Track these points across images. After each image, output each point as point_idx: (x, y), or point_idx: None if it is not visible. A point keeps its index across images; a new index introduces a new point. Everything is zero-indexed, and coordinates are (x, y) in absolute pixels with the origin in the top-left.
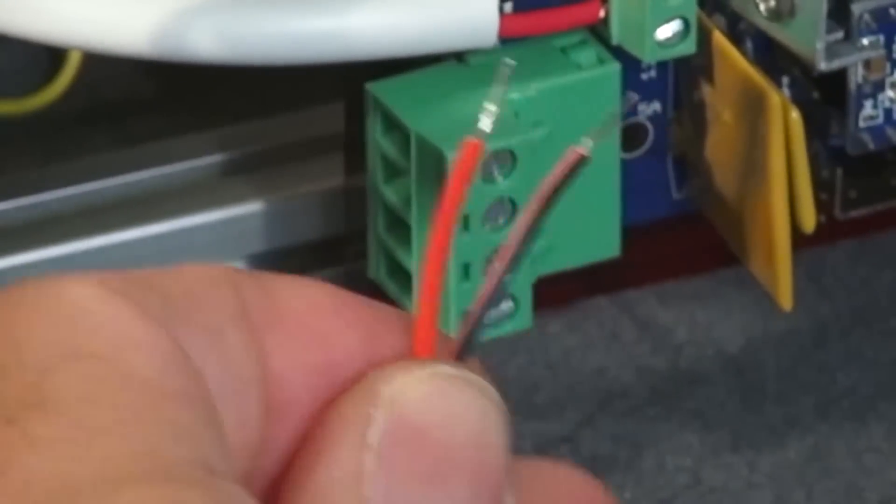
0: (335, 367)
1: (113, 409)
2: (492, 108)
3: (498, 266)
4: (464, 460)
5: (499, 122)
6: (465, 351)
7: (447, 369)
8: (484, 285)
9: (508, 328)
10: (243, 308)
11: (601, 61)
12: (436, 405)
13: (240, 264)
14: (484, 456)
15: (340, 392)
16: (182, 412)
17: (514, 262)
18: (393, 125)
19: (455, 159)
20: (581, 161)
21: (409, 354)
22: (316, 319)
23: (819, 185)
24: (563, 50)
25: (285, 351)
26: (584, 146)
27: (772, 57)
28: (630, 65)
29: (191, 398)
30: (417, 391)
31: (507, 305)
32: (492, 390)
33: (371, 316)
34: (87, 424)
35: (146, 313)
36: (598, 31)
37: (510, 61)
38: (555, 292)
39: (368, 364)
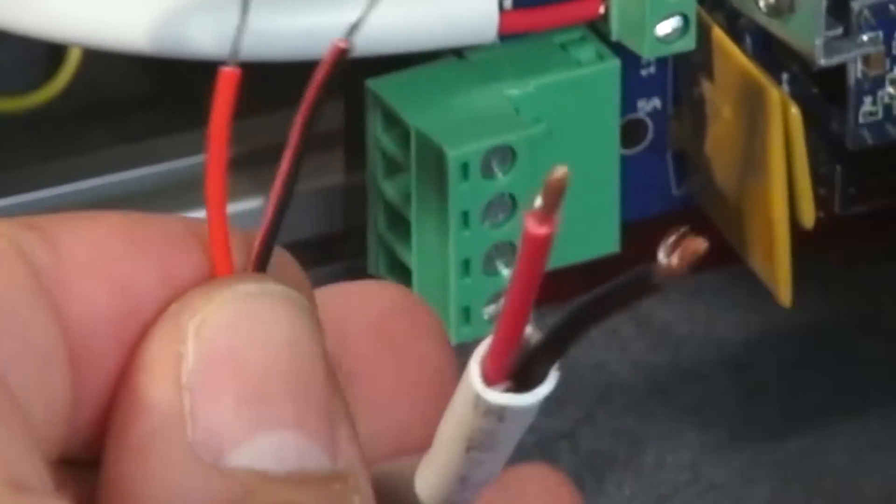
0: (137, 306)
1: None
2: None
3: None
4: (281, 376)
5: (497, 117)
6: (265, 255)
7: (248, 287)
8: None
9: None
10: (31, 273)
11: (601, 57)
12: (242, 327)
13: None
14: (300, 366)
15: (147, 330)
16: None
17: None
18: (393, 121)
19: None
20: (342, 54)
21: (208, 274)
22: (106, 263)
23: (818, 182)
24: (563, 46)
25: (82, 305)
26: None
27: (771, 53)
28: (630, 61)
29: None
30: (221, 317)
31: None
32: (297, 296)
33: (163, 239)
34: None
35: None
36: (597, 28)
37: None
38: (554, 288)
39: (171, 293)
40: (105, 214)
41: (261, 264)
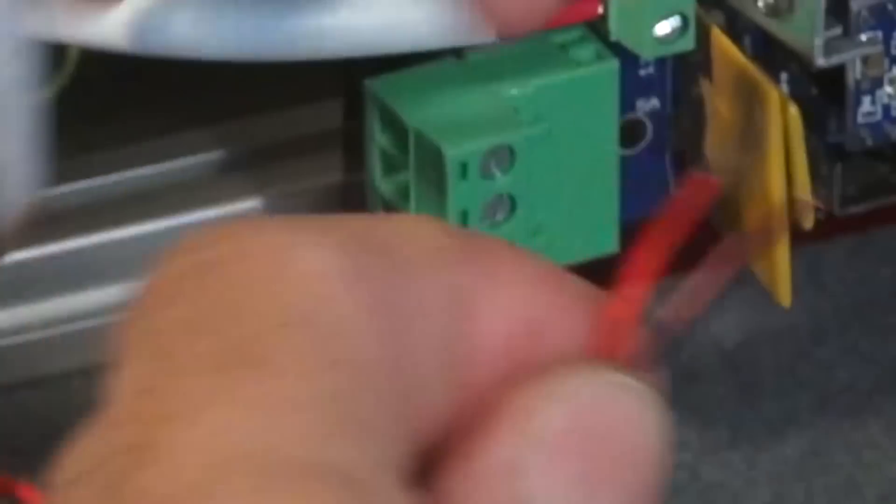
0: (538, 353)
1: (314, 387)
2: None
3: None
4: (625, 470)
5: (496, 117)
6: (647, 360)
7: (627, 379)
8: (686, 300)
9: None
10: (458, 284)
11: (600, 57)
12: (609, 411)
13: None
14: (644, 470)
15: (520, 376)
16: (373, 404)
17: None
18: (391, 121)
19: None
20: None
21: (596, 348)
22: (530, 301)
23: (817, 181)
24: (562, 46)
25: (494, 331)
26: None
27: (770, 53)
28: (628, 61)
29: (386, 391)
30: (591, 393)
31: None
32: (663, 409)
33: (578, 300)
34: (286, 394)
35: (374, 298)
36: (596, 28)
37: None
38: None
39: (555, 349)
40: (533, 255)
41: (641, 362)
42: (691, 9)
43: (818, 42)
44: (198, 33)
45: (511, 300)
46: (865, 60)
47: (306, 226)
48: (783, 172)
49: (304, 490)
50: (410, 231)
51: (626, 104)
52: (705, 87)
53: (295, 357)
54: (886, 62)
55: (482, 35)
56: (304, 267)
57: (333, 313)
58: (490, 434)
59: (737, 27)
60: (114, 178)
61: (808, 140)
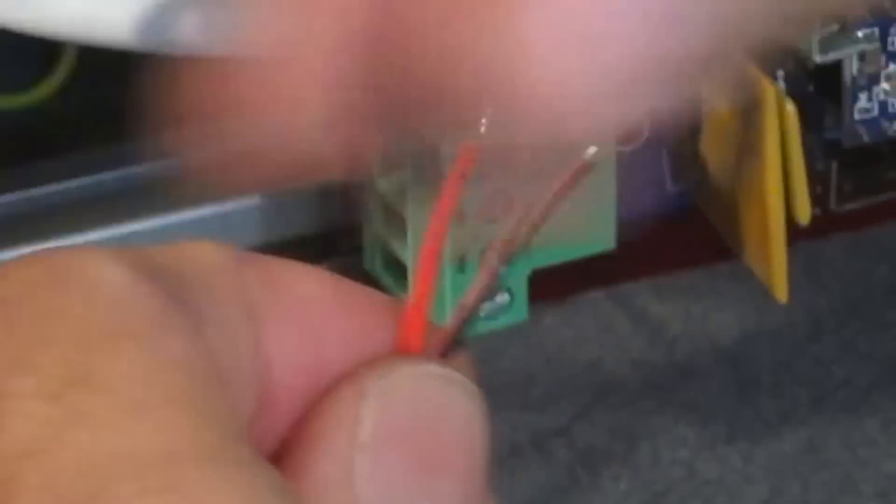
0: (328, 360)
1: (158, 388)
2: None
3: (492, 258)
4: (451, 460)
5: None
6: (454, 344)
7: (433, 368)
8: (478, 277)
9: (504, 321)
10: (247, 299)
11: None
12: (421, 403)
13: None
14: (472, 455)
15: (329, 386)
16: (217, 394)
17: (509, 257)
18: None
19: (455, 159)
20: (588, 169)
21: (399, 348)
22: (314, 312)
23: (814, 178)
24: None
25: (282, 343)
26: (589, 154)
27: (767, 50)
28: None
29: (220, 382)
30: (404, 390)
31: (502, 298)
32: (475, 390)
33: (366, 306)
34: (131, 401)
35: (170, 299)
36: None
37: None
38: (550, 285)
39: (360, 357)
40: (317, 271)
41: (449, 348)
42: None
43: (815, 39)
44: (202, 31)
45: (293, 311)
46: (862, 57)
47: (87, 250)
48: (780, 169)
49: (183, 478)
50: (193, 252)
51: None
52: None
53: (126, 366)
54: (883, 59)
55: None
56: (102, 282)
57: (143, 319)
58: (316, 446)
59: None
60: (111, 174)
61: (804, 137)
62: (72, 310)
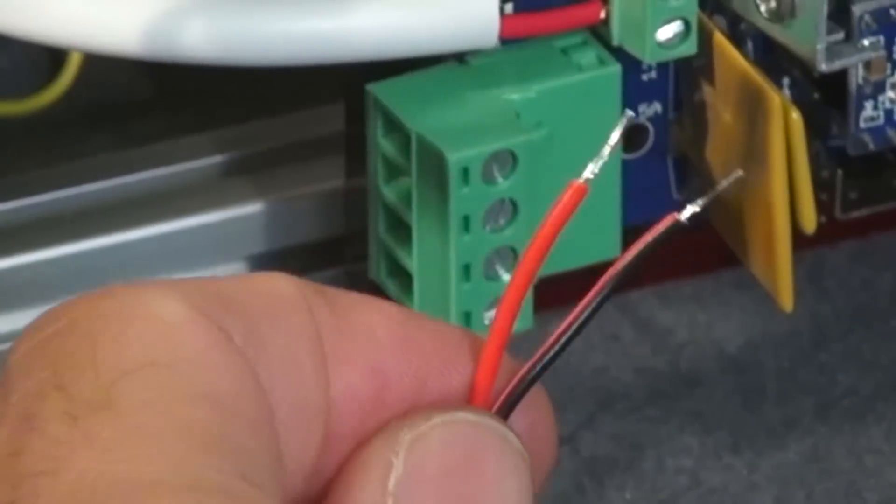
0: (389, 398)
1: (171, 417)
2: (603, 156)
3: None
4: (490, 500)
5: (498, 121)
6: (507, 404)
7: (467, 415)
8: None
9: None
10: (316, 334)
11: (602, 62)
12: (454, 452)
13: (240, 265)
14: (503, 500)
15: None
16: (237, 429)
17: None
18: (393, 126)
19: (558, 201)
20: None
21: (461, 397)
22: (381, 349)
23: (819, 186)
24: (564, 51)
25: (347, 380)
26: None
27: (772, 58)
28: (630, 66)
29: (250, 419)
30: (436, 437)
31: None
32: (513, 437)
33: (432, 344)
34: (143, 429)
35: (225, 336)
36: (598, 32)
37: (630, 112)
38: (555, 293)
39: (420, 398)
40: (387, 304)
41: (502, 407)
42: (693, 14)
43: (820, 47)
44: (216, 40)
45: (360, 347)
46: (867, 65)
47: (150, 285)
48: (785, 177)
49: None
50: (265, 284)
51: (628, 109)
52: (707, 91)
53: (152, 395)
54: (888, 67)
55: (484, 40)
56: (151, 315)
57: (186, 352)
58: (351, 490)
59: (739, 32)
60: (116, 181)
61: (810, 145)
62: (119, 339)
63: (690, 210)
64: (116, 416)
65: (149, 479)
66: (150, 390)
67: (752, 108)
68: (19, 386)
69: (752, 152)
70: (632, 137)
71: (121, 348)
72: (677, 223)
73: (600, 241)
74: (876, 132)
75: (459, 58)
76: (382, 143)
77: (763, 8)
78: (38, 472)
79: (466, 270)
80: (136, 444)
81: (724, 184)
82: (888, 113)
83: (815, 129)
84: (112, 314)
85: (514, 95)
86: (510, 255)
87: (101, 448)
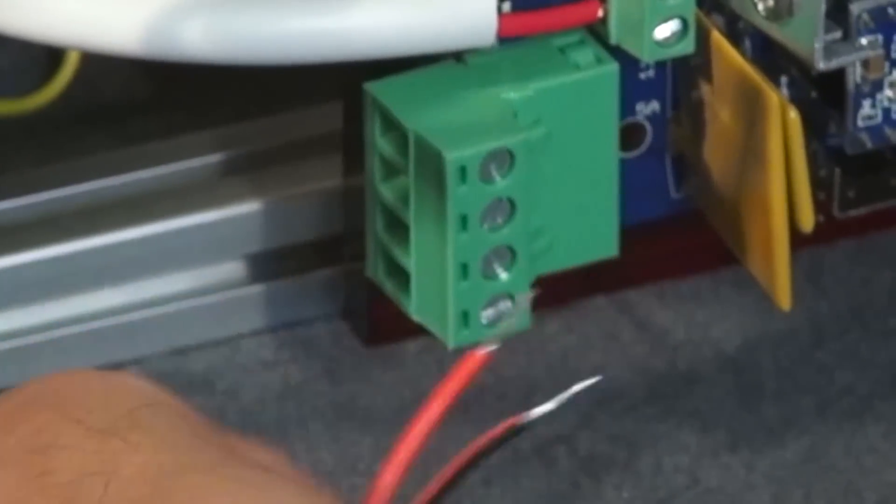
0: None
1: (192, 434)
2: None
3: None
4: None
5: (496, 120)
6: None
7: None
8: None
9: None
10: None
11: (599, 61)
12: None
13: (238, 264)
14: None
15: None
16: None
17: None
18: (391, 125)
19: (458, 366)
20: (515, 432)
21: None
22: None
23: (817, 185)
24: (562, 49)
25: None
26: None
27: (770, 56)
28: (628, 64)
29: None
30: None
31: (505, 305)
32: None
33: None
34: (174, 440)
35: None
36: (596, 31)
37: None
38: (553, 292)
39: None
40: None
41: None
42: (691, 12)
43: (818, 45)
44: (214, 39)
45: None
46: (865, 64)
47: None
48: (783, 176)
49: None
50: None
51: (626, 107)
52: (705, 90)
53: (163, 420)
54: (887, 65)
55: (482, 38)
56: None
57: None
58: None
59: (737, 31)
60: (114, 180)
61: (808, 143)
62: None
63: (539, 412)
64: (148, 432)
65: (206, 465)
66: (164, 416)
67: (750, 107)
68: (9, 439)
69: (750, 151)
70: (630, 136)
71: (121, 396)
72: (522, 427)
73: (598, 240)
74: (874, 131)
75: (457, 56)
76: (380, 142)
77: (761, 6)
78: (91, 473)
79: (464, 269)
80: (173, 446)
81: (576, 388)
82: (886, 111)
83: (813, 128)
84: (84, 380)
85: (511, 94)
86: (508, 254)
87: (146, 450)
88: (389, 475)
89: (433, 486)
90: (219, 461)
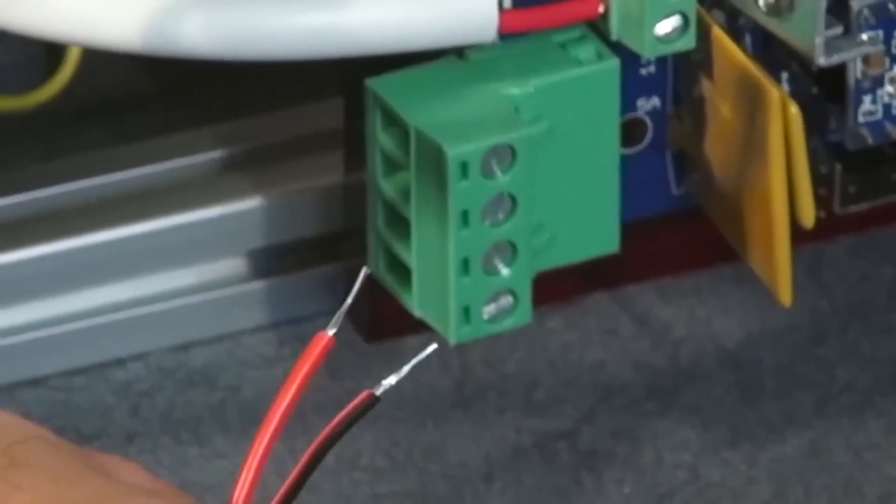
0: None
1: (69, 465)
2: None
3: None
4: None
5: (497, 116)
6: None
7: None
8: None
9: (508, 324)
10: None
11: (600, 57)
12: None
13: (240, 260)
14: None
15: None
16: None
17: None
18: (392, 121)
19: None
20: (372, 401)
21: None
22: None
23: (818, 181)
24: (563, 45)
25: None
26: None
27: (771, 52)
28: (629, 60)
29: None
30: None
31: (506, 301)
32: None
33: None
34: (54, 474)
35: None
36: (597, 27)
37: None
38: (554, 288)
39: None
40: None
41: None
42: (692, 8)
43: (819, 41)
44: (216, 35)
45: None
46: (866, 59)
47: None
48: (784, 171)
49: None
50: None
51: (627, 103)
52: (706, 86)
53: (40, 453)
54: (887, 61)
55: (483, 34)
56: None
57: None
58: None
59: (737, 26)
60: (115, 176)
61: (808, 139)
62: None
63: (385, 384)
64: (28, 468)
65: (97, 499)
66: (41, 450)
67: (751, 103)
68: None
69: (751, 146)
70: (631, 132)
71: None
72: (374, 399)
73: (599, 236)
74: (874, 126)
75: (458, 52)
76: (381, 138)
77: (762, 2)
78: None
79: (465, 264)
80: (58, 483)
81: (416, 360)
82: (886, 107)
83: (814, 124)
84: None
85: (512, 90)
86: (509, 250)
87: (30, 489)
88: (249, 460)
89: (301, 463)
90: (102, 492)
